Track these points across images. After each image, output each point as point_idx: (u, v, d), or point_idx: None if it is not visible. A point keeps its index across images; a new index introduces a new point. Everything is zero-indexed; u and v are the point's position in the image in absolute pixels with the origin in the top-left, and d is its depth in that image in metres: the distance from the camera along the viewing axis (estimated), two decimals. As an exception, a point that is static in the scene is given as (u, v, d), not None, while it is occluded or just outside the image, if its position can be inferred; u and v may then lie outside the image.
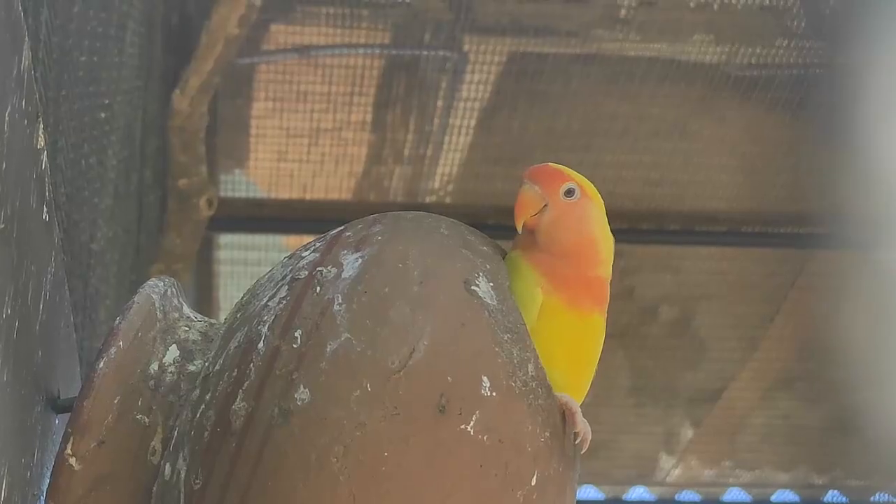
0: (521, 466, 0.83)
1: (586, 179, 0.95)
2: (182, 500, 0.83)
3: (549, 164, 0.95)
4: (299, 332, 0.83)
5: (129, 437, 0.87)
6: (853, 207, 2.49)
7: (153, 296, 0.93)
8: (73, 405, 0.88)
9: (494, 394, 0.83)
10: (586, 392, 0.93)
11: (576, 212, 0.93)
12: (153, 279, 0.96)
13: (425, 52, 2.48)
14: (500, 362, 0.84)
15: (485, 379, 0.83)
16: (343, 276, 0.85)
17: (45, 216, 0.96)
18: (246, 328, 0.86)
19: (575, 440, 0.88)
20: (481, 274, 0.87)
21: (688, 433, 3.18)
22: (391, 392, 0.80)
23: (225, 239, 2.84)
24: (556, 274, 0.91)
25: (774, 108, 2.56)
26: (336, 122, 2.62)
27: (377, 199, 2.77)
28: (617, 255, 0.96)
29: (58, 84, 1.18)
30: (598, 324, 0.93)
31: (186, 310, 0.96)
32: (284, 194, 2.76)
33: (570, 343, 0.91)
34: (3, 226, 0.81)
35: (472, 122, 2.62)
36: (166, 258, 2.36)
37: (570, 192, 0.93)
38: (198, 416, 0.84)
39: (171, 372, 0.89)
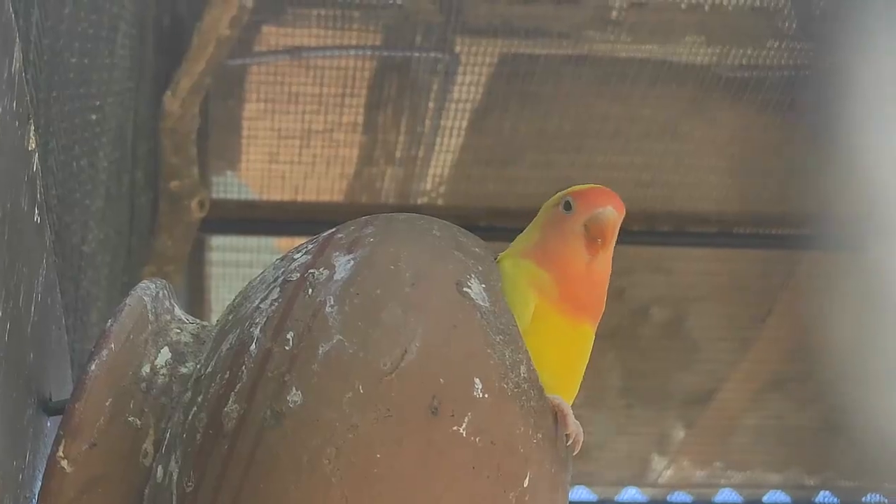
0: (514, 468, 0.83)
1: None
2: (174, 503, 0.83)
3: (607, 188, 0.95)
4: (291, 334, 0.83)
5: (121, 439, 0.87)
6: (844, 208, 2.49)
7: (145, 298, 0.93)
8: (64, 407, 0.87)
9: (486, 395, 0.83)
10: (575, 395, 0.93)
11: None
12: (145, 281, 0.95)
13: (416, 54, 2.48)
14: (492, 364, 0.84)
15: (477, 381, 0.83)
16: (335, 278, 0.85)
17: (37, 218, 0.96)
18: (238, 330, 0.86)
19: (567, 441, 0.88)
20: (473, 276, 0.87)
21: (680, 434, 3.19)
22: (383, 394, 0.80)
23: (217, 241, 2.84)
24: (564, 285, 0.92)
25: (765, 109, 2.56)
26: (327, 124, 2.62)
27: (369, 200, 2.77)
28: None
29: (49, 86, 1.18)
30: (587, 335, 0.93)
31: (178, 312, 0.96)
32: (276, 196, 2.76)
33: (561, 347, 0.91)
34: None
35: (464, 124, 2.62)
36: (158, 260, 2.36)
37: None
38: (190, 418, 0.84)
39: (162, 374, 0.89)
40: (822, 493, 3.31)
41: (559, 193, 0.96)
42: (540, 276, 0.92)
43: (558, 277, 0.92)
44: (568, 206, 0.94)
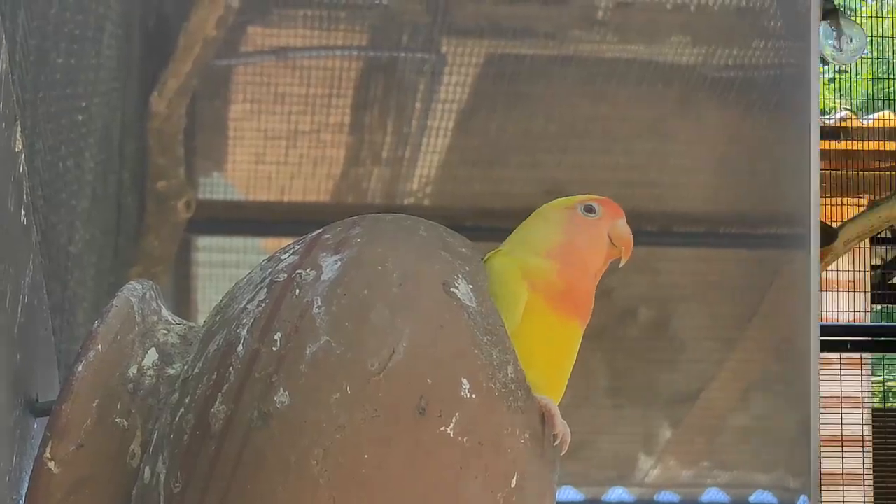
0: (501, 468, 0.84)
1: None
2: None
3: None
4: (279, 334, 0.83)
5: (109, 440, 0.87)
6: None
7: (132, 299, 0.92)
8: (51, 409, 0.87)
9: (474, 396, 0.83)
10: (562, 394, 0.94)
11: None
12: (132, 282, 0.95)
13: (403, 54, 2.48)
14: (479, 364, 0.84)
15: (464, 381, 0.83)
16: (322, 279, 0.85)
17: (23, 219, 0.96)
18: (225, 331, 0.85)
19: (554, 442, 0.88)
20: (460, 276, 0.87)
21: (666, 434, 3.19)
22: (371, 394, 0.80)
23: (203, 241, 2.83)
24: (571, 284, 0.93)
25: (752, 108, 2.56)
26: (314, 124, 2.62)
27: (355, 200, 2.76)
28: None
29: (35, 86, 1.18)
30: (577, 334, 0.93)
31: (165, 313, 0.96)
32: (262, 196, 2.75)
33: (551, 344, 0.91)
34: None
35: (451, 124, 2.62)
36: (145, 261, 2.36)
37: None
38: (177, 419, 0.84)
39: (150, 375, 0.89)
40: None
41: (568, 198, 0.98)
42: (546, 273, 0.92)
43: (570, 278, 0.93)
44: (591, 210, 0.96)
